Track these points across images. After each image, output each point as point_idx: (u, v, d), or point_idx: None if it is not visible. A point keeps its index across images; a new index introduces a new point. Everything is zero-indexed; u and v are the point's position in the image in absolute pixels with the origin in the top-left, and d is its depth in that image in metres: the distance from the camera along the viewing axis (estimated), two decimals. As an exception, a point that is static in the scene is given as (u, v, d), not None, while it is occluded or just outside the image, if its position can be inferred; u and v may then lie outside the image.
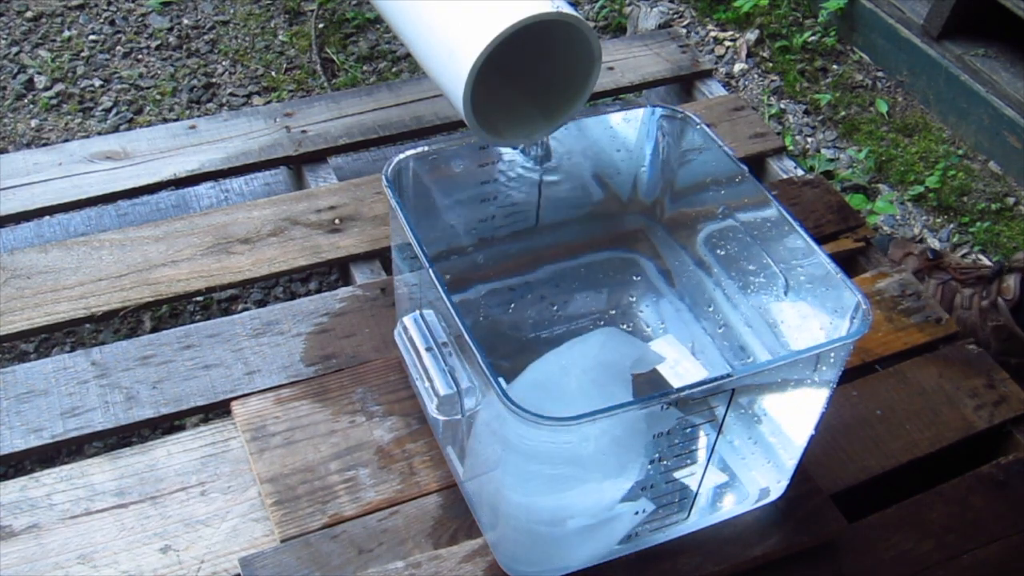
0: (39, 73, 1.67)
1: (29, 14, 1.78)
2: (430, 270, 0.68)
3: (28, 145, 1.54)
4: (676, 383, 0.84)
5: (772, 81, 1.77)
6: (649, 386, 0.83)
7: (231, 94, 1.68)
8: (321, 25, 1.81)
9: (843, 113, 1.73)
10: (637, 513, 0.72)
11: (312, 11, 1.82)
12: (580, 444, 0.66)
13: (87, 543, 0.77)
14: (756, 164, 1.23)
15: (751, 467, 0.80)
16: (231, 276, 0.99)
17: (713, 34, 1.90)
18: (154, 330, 1.14)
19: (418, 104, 1.24)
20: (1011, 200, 1.58)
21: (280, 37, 1.79)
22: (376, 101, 1.25)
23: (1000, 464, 0.90)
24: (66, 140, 1.52)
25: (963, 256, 1.50)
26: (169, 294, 0.97)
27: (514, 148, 0.81)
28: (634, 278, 0.93)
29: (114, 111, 1.62)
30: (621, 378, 0.78)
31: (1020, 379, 0.98)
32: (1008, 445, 0.94)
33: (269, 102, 1.66)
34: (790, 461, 0.78)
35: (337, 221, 1.06)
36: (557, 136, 0.81)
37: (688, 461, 0.71)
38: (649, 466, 0.70)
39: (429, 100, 1.25)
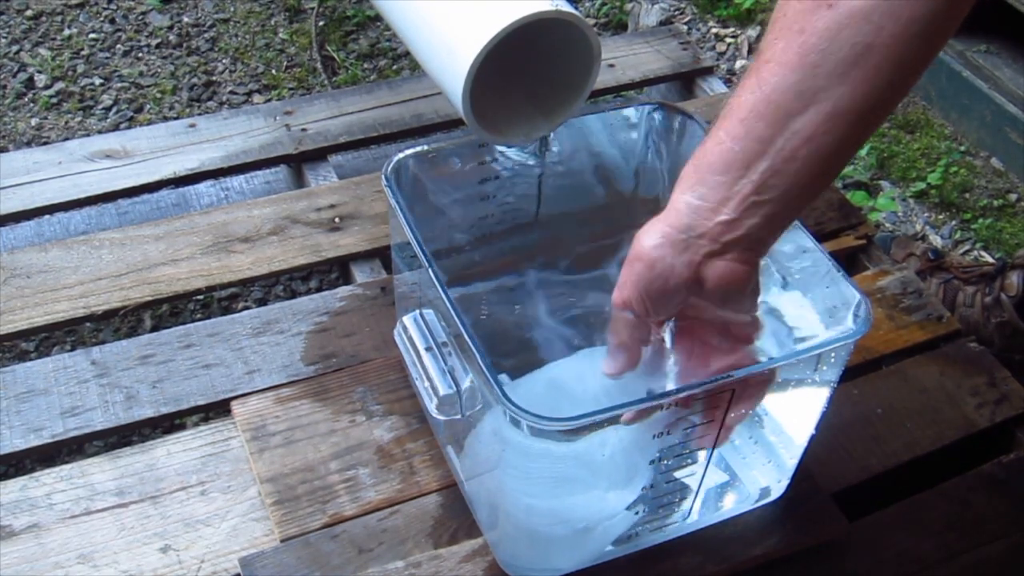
0: (39, 72, 1.67)
1: (29, 12, 1.78)
2: (429, 269, 0.68)
3: (28, 144, 1.54)
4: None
5: (773, 78, 1.77)
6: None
7: (231, 92, 1.68)
8: (321, 23, 1.81)
9: (845, 110, 1.72)
10: (637, 513, 0.72)
11: (312, 9, 1.82)
12: (584, 447, 0.66)
13: (87, 543, 0.77)
14: (757, 161, 1.23)
15: (752, 466, 0.80)
16: (231, 275, 0.99)
17: (714, 31, 1.90)
18: (154, 329, 1.14)
19: (418, 102, 1.24)
20: (1013, 196, 1.58)
21: (280, 35, 1.79)
22: (376, 99, 1.24)
23: (1001, 463, 0.90)
24: (66, 139, 1.52)
25: (964, 253, 1.50)
26: (169, 293, 0.97)
27: (512, 147, 0.81)
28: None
29: (114, 109, 1.63)
30: (638, 394, 0.77)
31: (1023, 376, 0.98)
32: (1010, 444, 0.94)
33: (269, 100, 1.66)
34: (791, 460, 0.78)
35: (337, 219, 1.06)
36: (558, 134, 0.81)
37: (688, 461, 0.71)
38: (650, 466, 0.69)
39: (429, 98, 1.24)
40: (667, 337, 0.65)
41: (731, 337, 0.64)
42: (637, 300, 0.58)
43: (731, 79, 1.76)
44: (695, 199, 0.55)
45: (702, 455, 0.71)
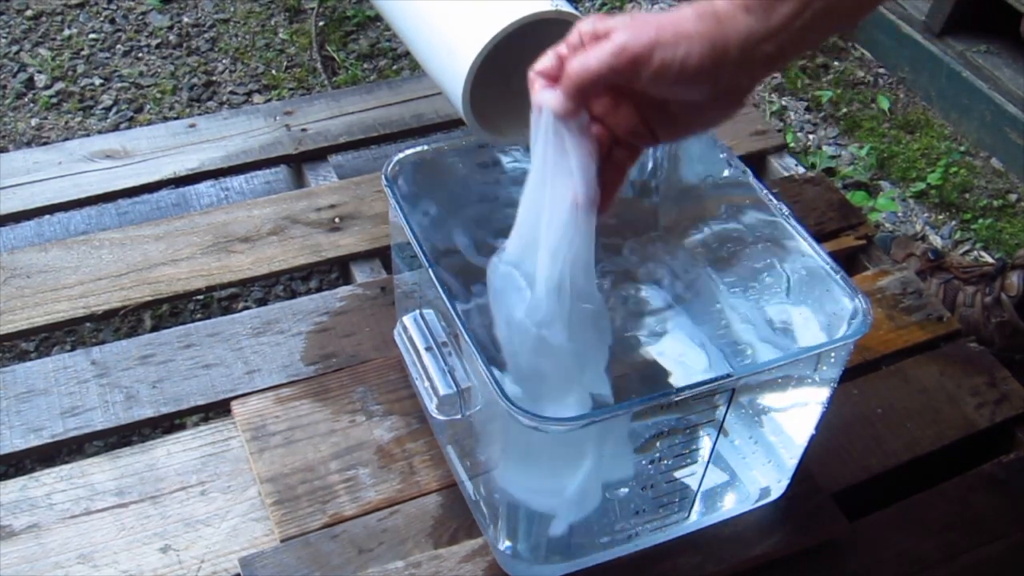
0: (39, 72, 1.67)
1: (29, 13, 1.78)
2: (429, 269, 0.68)
3: (28, 144, 1.54)
4: (680, 374, 0.83)
5: (773, 78, 1.77)
6: (647, 383, 0.83)
7: (231, 92, 1.68)
8: (321, 23, 1.81)
9: (844, 110, 1.72)
10: (638, 513, 0.72)
11: (312, 9, 1.82)
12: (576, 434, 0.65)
13: (87, 543, 0.77)
14: (757, 162, 1.23)
15: (752, 466, 0.80)
16: (231, 275, 0.99)
17: (714, 31, 1.89)
18: (154, 329, 1.14)
19: (419, 102, 1.24)
20: (1013, 197, 1.58)
21: (280, 35, 1.79)
22: (376, 99, 1.24)
23: (1001, 463, 0.90)
24: (66, 139, 1.52)
25: (964, 253, 1.50)
26: (169, 293, 0.97)
27: (512, 147, 0.81)
28: (635, 278, 0.93)
29: (114, 110, 1.62)
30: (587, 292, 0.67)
31: (1023, 376, 0.98)
32: (1010, 444, 0.94)
33: (269, 100, 1.66)
34: (791, 460, 0.78)
35: (337, 220, 1.06)
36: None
37: (689, 460, 0.71)
38: (650, 465, 0.69)
39: (429, 98, 1.24)
40: None
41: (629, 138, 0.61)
42: (653, 78, 0.54)
43: (731, 79, 1.76)
44: (756, 24, 0.54)
45: (703, 454, 0.71)
